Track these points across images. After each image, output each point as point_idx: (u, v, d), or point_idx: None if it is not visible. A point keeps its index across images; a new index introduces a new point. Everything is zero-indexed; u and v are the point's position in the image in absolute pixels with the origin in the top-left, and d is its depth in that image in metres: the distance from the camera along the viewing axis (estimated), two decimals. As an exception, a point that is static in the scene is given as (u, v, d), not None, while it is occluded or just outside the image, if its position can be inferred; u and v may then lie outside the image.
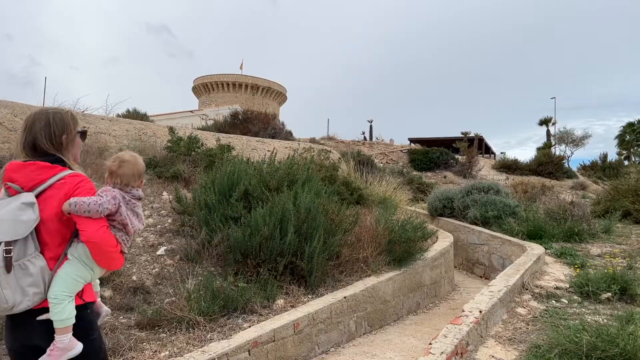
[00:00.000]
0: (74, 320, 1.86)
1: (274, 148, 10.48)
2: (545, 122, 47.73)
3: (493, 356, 3.56)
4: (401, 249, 6.32)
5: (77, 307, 1.90)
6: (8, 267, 1.75)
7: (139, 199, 2.13)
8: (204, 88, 58.22)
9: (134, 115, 19.61)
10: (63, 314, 1.82)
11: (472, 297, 4.59)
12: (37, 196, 1.87)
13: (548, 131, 47.27)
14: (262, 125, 20.37)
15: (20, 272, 1.78)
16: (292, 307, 4.61)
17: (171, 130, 9.97)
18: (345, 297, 4.94)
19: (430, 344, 3.38)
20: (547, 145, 42.93)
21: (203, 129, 20.24)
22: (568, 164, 36.51)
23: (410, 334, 5.39)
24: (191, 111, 46.12)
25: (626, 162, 38.24)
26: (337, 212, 6.01)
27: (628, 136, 47.20)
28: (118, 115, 16.23)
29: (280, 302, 4.66)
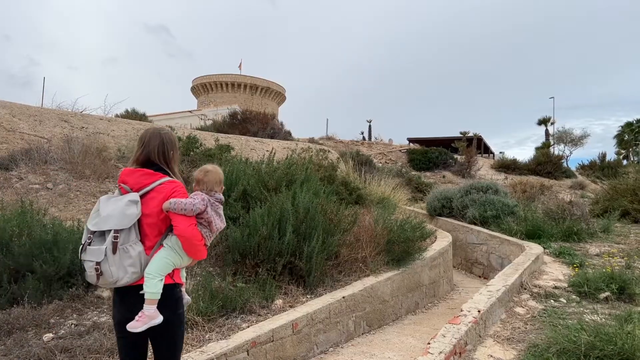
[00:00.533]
0: (159, 296, 2.26)
1: (272, 148, 10.48)
2: (544, 121, 47.73)
3: (491, 356, 3.56)
4: (400, 248, 6.33)
5: (169, 286, 2.33)
6: (114, 249, 2.20)
7: (221, 202, 2.55)
8: (203, 88, 58.16)
9: (133, 115, 19.58)
10: (154, 288, 2.24)
11: (470, 297, 4.59)
12: (142, 196, 2.32)
13: (547, 131, 47.27)
14: (261, 125, 20.36)
15: (124, 254, 2.22)
16: (291, 307, 4.61)
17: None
18: (344, 297, 4.94)
19: (429, 343, 3.38)
20: (546, 145, 42.93)
21: (202, 129, 20.24)
22: (567, 164, 36.48)
23: (409, 333, 5.39)
24: (190, 111, 46.09)
25: (625, 162, 38.28)
26: (335, 212, 6.01)
27: (627, 136, 47.26)
28: (117, 116, 16.21)
29: (278, 302, 4.65)
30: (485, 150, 42.72)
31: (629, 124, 47.05)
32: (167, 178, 2.40)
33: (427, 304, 6.98)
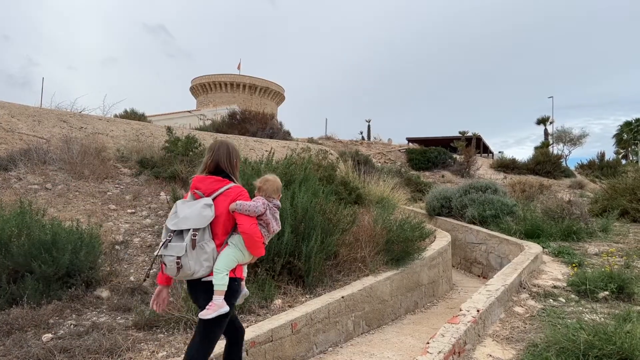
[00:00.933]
0: (225, 287, 2.62)
1: (271, 148, 10.46)
2: (542, 121, 47.77)
3: (490, 355, 3.56)
4: (399, 248, 6.33)
5: (230, 279, 2.67)
6: (193, 245, 2.56)
7: (278, 207, 2.91)
8: (202, 88, 58.15)
9: (132, 115, 19.55)
10: (221, 281, 2.61)
11: (469, 296, 4.59)
12: (213, 200, 2.68)
13: (546, 130, 47.32)
14: (260, 125, 20.37)
15: (200, 250, 2.58)
16: (290, 307, 4.61)
17: (169, 130, 9.95)
18: (343, 297, 4.94)
19: (428, 343, 3.38)
20: (545, 145, 42.97)
21: (201, 129, 20.23)
22: (566, 163, 36.52)
23: (408, 333, 5.40)
24: (189, 111, 46.06)
25: (624, 161, 38.33)
26: (334, 211, 6.01)
27: (625, 135, 47.34)
28: (115, 116, 16.20)
29: (277, 302, 4.66)
30: (484, 149, 42.74)
31: (627, 124, 47.13)
32: (233, 184, 2.79)
33: (427, 303, 6.98)
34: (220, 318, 2.62)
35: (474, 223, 10.64)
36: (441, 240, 8.31)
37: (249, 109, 27.79)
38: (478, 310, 4.01)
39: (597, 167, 30.99)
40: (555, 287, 5.49)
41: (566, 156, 42.19)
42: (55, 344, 3.51)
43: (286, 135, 21.43)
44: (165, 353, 3.54)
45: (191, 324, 3.96)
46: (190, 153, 9.18)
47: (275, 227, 2.84)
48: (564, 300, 5.00)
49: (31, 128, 9.41)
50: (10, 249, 4.31)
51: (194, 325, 3.94)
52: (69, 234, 4.67)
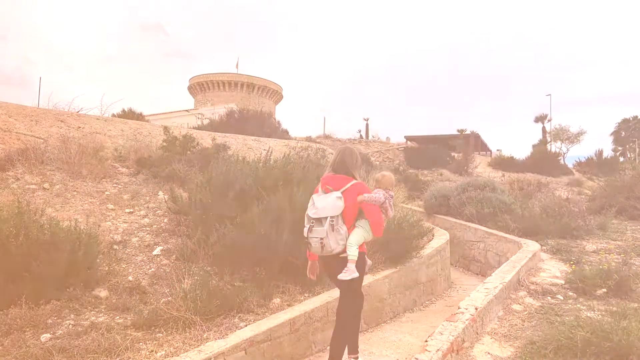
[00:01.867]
0: (356, 258, 3.38)
1: (269, 147, 10.46)
2: (540, 119, 47.79)
3: (489, 353, 3.58)
4: (397, 247, 6.33)
5: (361, 253, 3.47)
6: (332, 229, 3.31)
7: (392, 197, 3.62)
8: (200, 87, 58.04)
9: (129, 115, 19.47)
10: (354, 252, 3.37)
11: (468, 294, 4.60)
12: (341, 193, 3.39)
13: (544, 128, 47.36)
14: (258, 124, 20.36)
15: (336, 232, 3.33)
16: (289, 305, 4.61)
17: (166, 129, 9.94)
18: (341, 296, 4.93)
19: (426, 341, 3.39)
20: (543, 142, 43.04)
21: (199, 128, 20.21)
22: (564, 161, 36.59)
23: (406, 331, 5.40)
24: (187, 110, 45.97)
25: (621, 159, 38.44)
26: (333, 210, 6.00)
27: (623, 132, 47.48)
28: (113, 115, 16.18)
29: (276, 301, 4.66)
30: (483, 147, 42.76)
31: (625, 121, 47.30)
32: (355, 180, 3.50)
33: (425, 301, 6.99)
34: (360, 279, 3.50)
35: (472, 221, 10.65)
36: (439, 239, 8.31)
37: (247, 108, 27.77)
38: (476, 308, 4.02)
39: (595, 165, 31.02)
40: (553, 284, 5.50)
41: (564, 154, 42.25)
42: (53, 344, 3.51)
43: (284, 134, 21.46)
44: (163, 352, 3.55)
45: (189, 323, 3.96)
46: (188, 152, 9.16)
47: (391, 212, 3.58)
48: (561, 298, 5.02)
49: (29, 128, 9.39)
50: (8, 249, 4.30)
51: (193, 325, 3.95)
52: (67, 233, 4.66)
